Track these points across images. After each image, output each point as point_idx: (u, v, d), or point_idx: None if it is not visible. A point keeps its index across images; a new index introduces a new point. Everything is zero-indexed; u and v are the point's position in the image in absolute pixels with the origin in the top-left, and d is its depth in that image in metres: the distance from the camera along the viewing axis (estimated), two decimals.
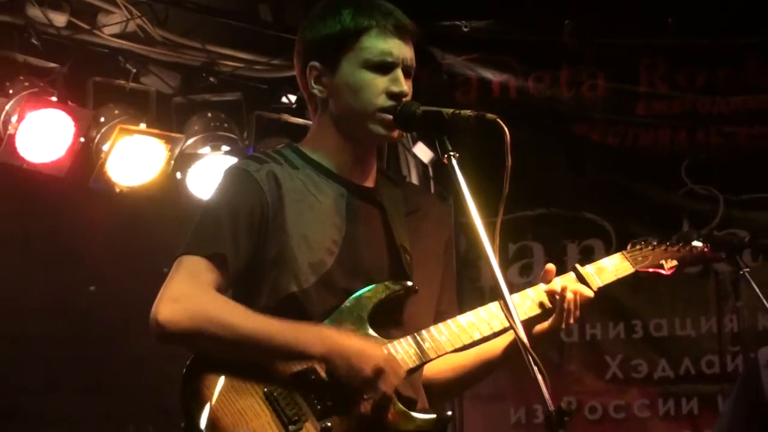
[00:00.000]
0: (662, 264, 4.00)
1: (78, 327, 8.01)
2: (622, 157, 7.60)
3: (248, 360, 3.45)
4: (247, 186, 3.60)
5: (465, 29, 7.57)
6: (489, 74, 7.64)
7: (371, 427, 3.43)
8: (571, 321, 3.65)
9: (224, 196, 3.62)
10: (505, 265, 6.76)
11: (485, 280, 6.91)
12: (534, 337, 3.62)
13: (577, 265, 3.77)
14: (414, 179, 7.52)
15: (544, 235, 7.49)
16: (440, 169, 7.09)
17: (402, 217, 3.71)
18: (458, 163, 3.29)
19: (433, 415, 3.58)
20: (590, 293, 3.68)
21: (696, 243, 4.10)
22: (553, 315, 3.65)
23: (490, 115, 3.31)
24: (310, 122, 3.96)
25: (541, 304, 3.68)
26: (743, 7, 7.32)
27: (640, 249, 3.98)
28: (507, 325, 3.20)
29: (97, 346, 8.07)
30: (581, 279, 3.72)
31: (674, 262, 4.02)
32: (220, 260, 3.49)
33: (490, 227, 3.18)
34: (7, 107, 6.72)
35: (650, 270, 3.99)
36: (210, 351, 3.46)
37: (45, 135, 6.82)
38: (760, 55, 7.52)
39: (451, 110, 3.41)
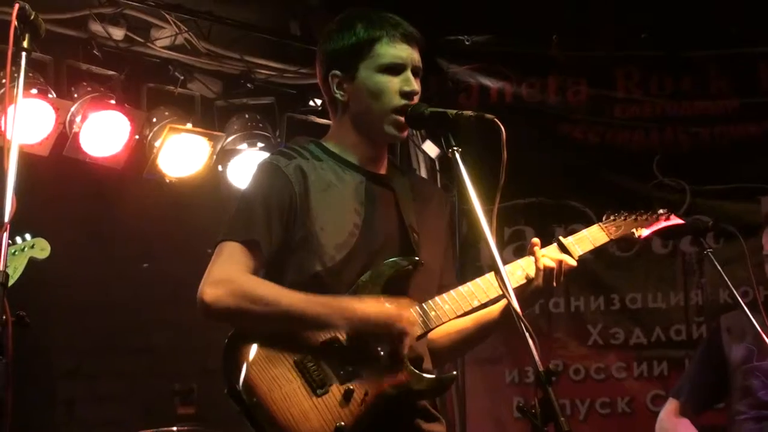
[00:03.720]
0: (633, 232, 3.95)
1: (132, 297, 8.01)
2: (602, 153, 7.57)
3: (282, 331, 3.41)
4: (277, 179, 3.55)
5: (467, 43, 7.57)
6: (488, 81, 7.64)
7: (388, 388, 3.39)
8: (555, 284, 3.59)
9: (258, 188, 3.58)
10: (501, 247, 6.68)
11: (484, 259, 6.81)
12: (526, 300, 3.56)
13: (560, 237, 3.72)
14: (423, 172, 7.52)
15: (534, 221, 7.44)
16: (445, 163, 7.06)
17: (410, 201, 3.66)
18: (461, 157, 3.23)
19: (440, 375, 3.56)
20: (573, 261, 3.63)
21: (660, 211, 4.07)
22: (541, 280, 3.58)
23: (488, 115, 3.27)
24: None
25: (530, 272, 3.61)
26: (704, 24, 7.33)
27: (614, 220, 3.93)
28: (501, 293, 3.15)
29: (149, 314, 8.07)
30: (563, 249, 3.67)
31: (643, 230, 3.98)
32: (254, 245, 3.46)
33: (488, 213, 3.13)
34: (73, 109, 6.72)
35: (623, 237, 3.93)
36: (249, 325, 3.44)
37: (105, 133, 6.82)
38: (719, 66, 7.51)
39: (454, 111, 3.36)
